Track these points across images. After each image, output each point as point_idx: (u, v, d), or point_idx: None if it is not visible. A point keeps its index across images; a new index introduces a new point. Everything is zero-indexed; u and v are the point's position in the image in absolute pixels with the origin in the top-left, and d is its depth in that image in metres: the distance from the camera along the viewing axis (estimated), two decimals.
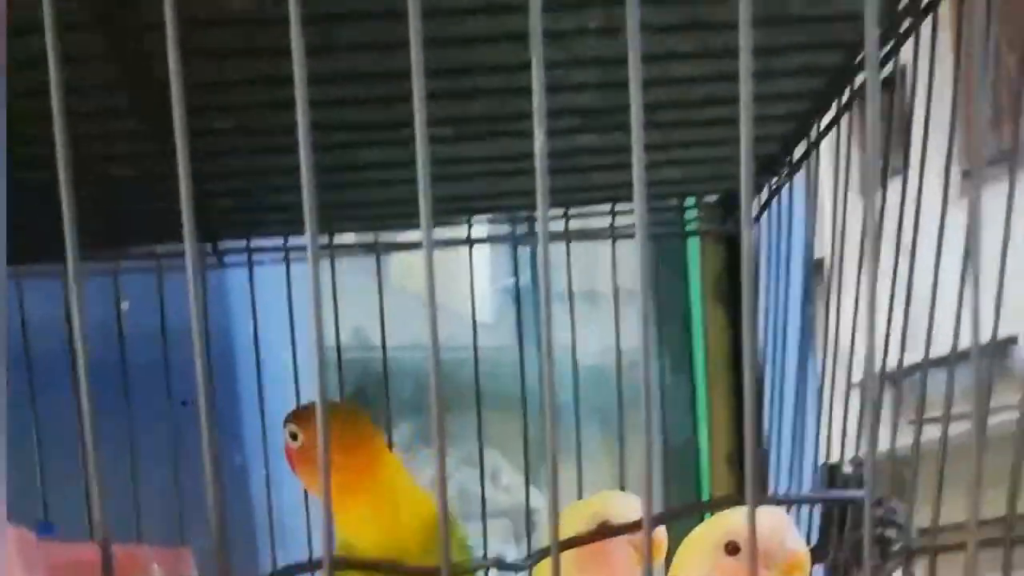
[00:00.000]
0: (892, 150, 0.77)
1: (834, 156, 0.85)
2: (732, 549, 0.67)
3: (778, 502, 0.63)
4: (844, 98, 0.76)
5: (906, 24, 0.69)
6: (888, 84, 0.71)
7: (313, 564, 0.51)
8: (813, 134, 0.82)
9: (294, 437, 0.84)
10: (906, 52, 0.71)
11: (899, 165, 0.76)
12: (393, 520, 0.83)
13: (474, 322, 1.00)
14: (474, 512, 1.02)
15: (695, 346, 1.29)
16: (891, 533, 0.67)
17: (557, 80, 0.70)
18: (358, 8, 0.60)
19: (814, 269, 0.96)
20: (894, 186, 0.75)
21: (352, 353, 1.13)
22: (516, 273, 1.02)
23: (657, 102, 0.73)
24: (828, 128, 0.80)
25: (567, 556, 0.68)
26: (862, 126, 0.69)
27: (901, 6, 0.67)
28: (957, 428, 0.64)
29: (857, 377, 0.71)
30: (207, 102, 0.68)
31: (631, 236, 1.00)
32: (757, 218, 0.94)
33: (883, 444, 0.71)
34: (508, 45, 0.64)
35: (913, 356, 0.69)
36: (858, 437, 0.80)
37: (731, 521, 0.68)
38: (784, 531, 0.65)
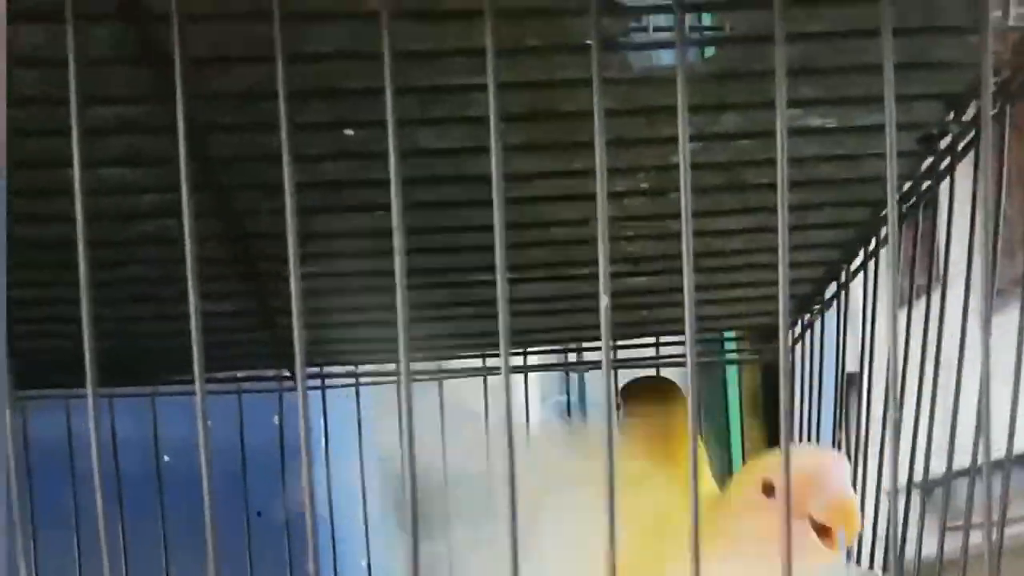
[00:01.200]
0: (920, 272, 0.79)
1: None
2: (768, 489, 0.63)
3: None
4: (871, 246, 0.81)
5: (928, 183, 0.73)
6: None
7: None
8: (843, 277, 0.86)
9: (617, 408, 0.88)
10: None
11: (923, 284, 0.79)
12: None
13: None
14: None
15: (734, 463, 1.32)
16: None
17: (613, 232, 0.74)
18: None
19: (847, 382, 0.98)
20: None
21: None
22: (568, 392, 1.06)
23: (703, 251, 0.77)
24: (856, 272, 0.84)
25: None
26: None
27: (924, 168, 0.71)
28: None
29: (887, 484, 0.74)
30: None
31: (675, 365, 1.05)
32: (792, 348, 0.98)
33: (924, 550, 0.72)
34: (565, 204, 0.69)
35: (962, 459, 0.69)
36: (886, 543, 0.82)
37: (770, 459, 0.64)
38: (829, 471, 0.61)
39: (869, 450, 0.85)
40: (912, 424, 0.72)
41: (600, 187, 0.44)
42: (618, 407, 0.88)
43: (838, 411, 0.97)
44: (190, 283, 0.47)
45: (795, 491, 0.59)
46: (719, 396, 1.27)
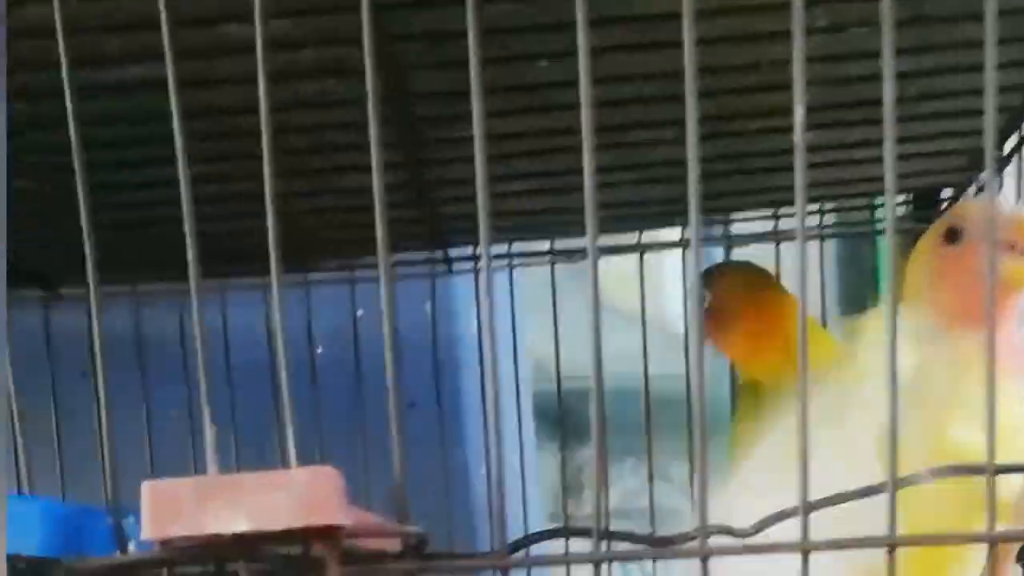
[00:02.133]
0: None
1: None
2: (951, 236, 0.63)
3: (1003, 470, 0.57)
4: None
5: None
6: None
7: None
8: None
9: (703, 300, 0.89)
10: None
11: None
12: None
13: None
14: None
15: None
16: None
17: (776, 78, 0.71)
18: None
19: None
20: None
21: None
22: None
23: (873, 97, 0.74)
24: None
25: None
26: None
27: None
28: None
29: None
30: (453, 111, 0.71)
31: (836, 236, 1.01)
32: None
33: None
34: (733, 46, 0.66)
35: None
36: None
37: (948, 213, 0.64)
38: (998, 204, 0.60)
39: None
40: None
41: None
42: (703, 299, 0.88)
43: None
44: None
45: (986, 221, 0.59)
46: (865, 270, 1.23)
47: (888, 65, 0.43)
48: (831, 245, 1.29)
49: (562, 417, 1.03)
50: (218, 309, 0.95)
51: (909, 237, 1.08)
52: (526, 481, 1.05)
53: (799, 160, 0.43)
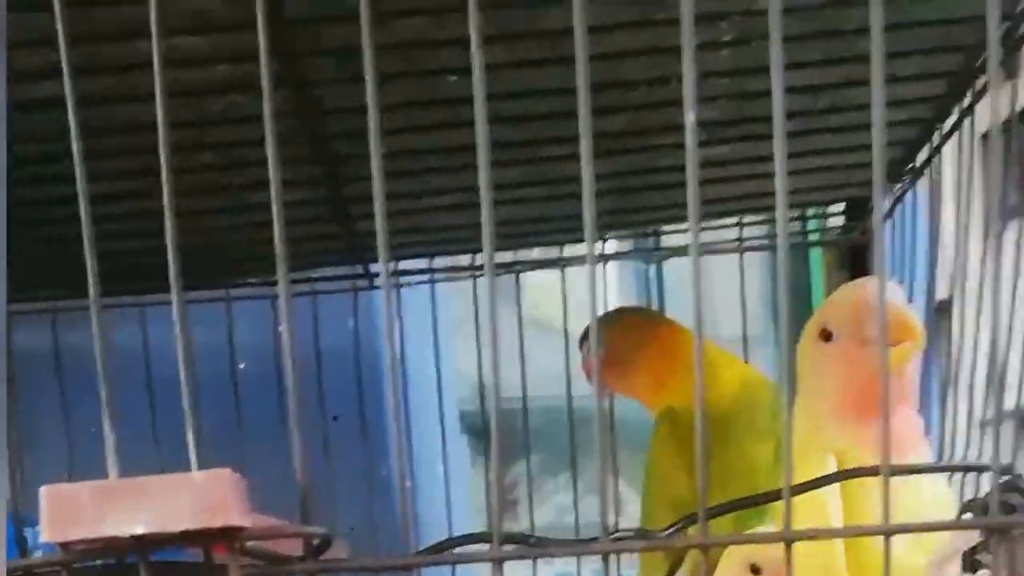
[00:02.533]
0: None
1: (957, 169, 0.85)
2: (825, 335, 0.64)
3: (905, 471, 0.58)
4: (966, 102, 0.78)
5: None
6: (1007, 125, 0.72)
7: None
8: (936, 139, 0.84)
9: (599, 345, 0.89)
10: None
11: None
12: (712, 377, 0.87)
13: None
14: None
15: None
16: (1016, 499, 0.67)
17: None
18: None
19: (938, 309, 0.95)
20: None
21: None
22: (647, 286, 1.05)
23: (787, 110, 0.75)
24: (950, 133, 0.82)
25: None
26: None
27: (1020, 8, 0.69)
28: None
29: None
30: (366, 126, 0.72)
31: (759, 249, 1.03)
32: (882, 223, 0.96)
33: None
34: (640, 60, 0.68)
35: None
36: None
37: (823, 308, 0.65)
38: (875, 299, 0.58)
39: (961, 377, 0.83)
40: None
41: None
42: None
43: (929, 296, 0.95)
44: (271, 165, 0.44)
45: (852, 321, 0.62)
46: (802, 283, 1.25)
47: (777, 79, 0.44)
48: (760, 259, 1.30)
49: (486, 429, 1.03)
50: (138, 324, 0.96)
51: (843, 249, 1.11)
52: (451, 493, 1.06)
53: (691, 170, 0.44)
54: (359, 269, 0.97)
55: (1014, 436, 0.71)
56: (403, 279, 0.99)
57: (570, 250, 1.00)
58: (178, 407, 0.86)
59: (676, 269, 1.08)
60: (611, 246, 1.05)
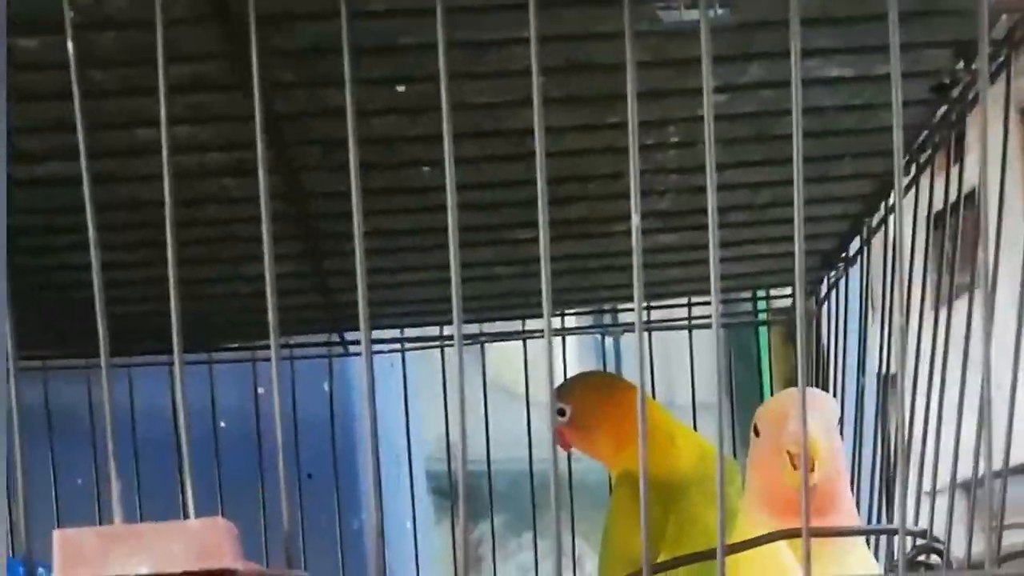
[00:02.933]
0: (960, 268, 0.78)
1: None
2: (755, 431, 0.68)
3: (819, 534, 0.60)
4: (891, 200, 0.85)
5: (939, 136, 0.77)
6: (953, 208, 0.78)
7: None
8: (866, 232, 0.91)
9: (562, 413, 0.96)
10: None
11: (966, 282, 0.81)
12: (670, 447, 0.93)
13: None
14: None
15: None
16: (934, 560, 0.72)
17: (644, 186, 0.79)
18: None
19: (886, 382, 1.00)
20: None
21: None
22: (604, 359, 1.11)
23: (729, 205, 0.82)
24: (878, 228, 0.89)
25: None
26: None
27: (937, 118, 0.76)
28: None
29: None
30: (346, 208, 0.78)
31: (707, 327, 1.09)
32: (820, 306, 1.03)
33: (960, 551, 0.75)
34: (600, 157, 0.75)
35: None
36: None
37: (759, 409, 0.69)
38: (789, 414, 0.63)
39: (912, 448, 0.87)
40: (956, 424, 0.73)
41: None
42: (561, 413, 0.96)
43: (860, 371, 1.00)
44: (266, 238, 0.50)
45: (772, 427, 0.66)
46: (751, 357, 1.31)
47: (711, 176, 0.50)
48: (711, 335, 1.36)
49: (452, 489, 1.09)
50: (125, 384, 1.01)
51: (789, 326, 1.18)
52: (419, 551, 1.12)
53: (636, 261, 0.50)
54: (335, 337, 1.03)
55: (949, 506, 0.76)
56: (376, 347, 1.05)
57: (532, 324, 1.06)
58: (158, 464, 0.92)
59: (631, 345, 1.14)
60: (571, 321, 1.11)
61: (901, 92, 0.51)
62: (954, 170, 0.76)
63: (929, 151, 0.78)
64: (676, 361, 1.14)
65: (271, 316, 0.51)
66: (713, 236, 0.52)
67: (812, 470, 0.62)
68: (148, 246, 0.79)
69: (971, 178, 0.75)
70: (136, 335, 0.92)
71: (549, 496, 1.06)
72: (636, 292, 0.51)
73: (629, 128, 0.50)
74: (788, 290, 1.12)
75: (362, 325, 0.51)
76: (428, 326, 1.05)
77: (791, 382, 1.25)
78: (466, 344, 1.05)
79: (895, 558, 0.78)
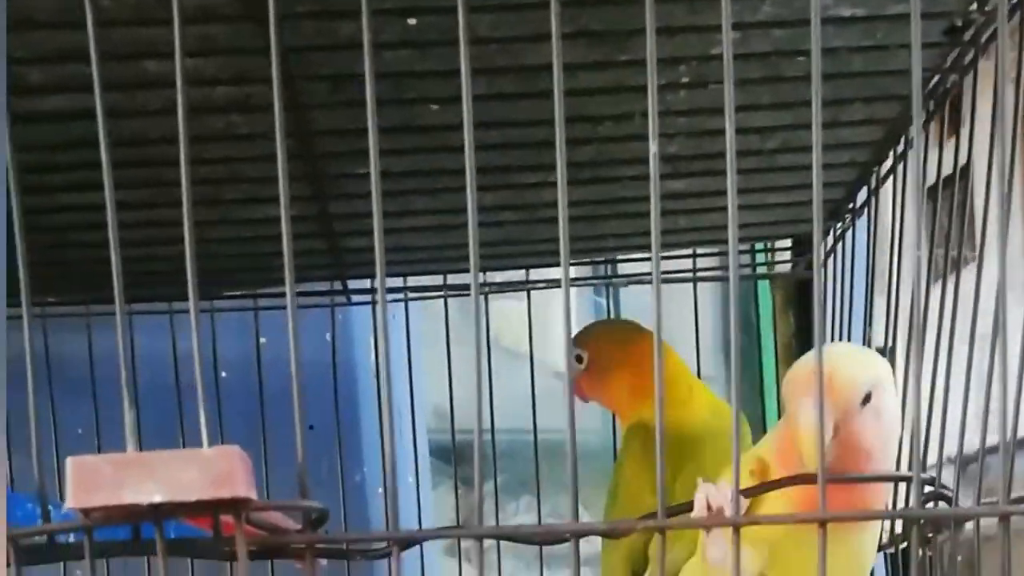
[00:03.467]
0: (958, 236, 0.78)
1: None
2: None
3: (836, 480, 0.62)
4: (900, 148, 0.85)
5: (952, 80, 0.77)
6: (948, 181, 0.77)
7: None
8: (874, 181, 0.90)
9: (579, 360, 0.95)
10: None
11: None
12: (688, 399, 0.94)
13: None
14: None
15: (766, 380, 1.35)
16: (943, 506, 0.72)
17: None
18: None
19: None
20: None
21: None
22: (608, 308, 1.11)
23: (739, 149, 0.81)
24: (887, 176, 0.88)
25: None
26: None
27: (949, 62, 0.75)
28: None
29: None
30: (353, 147, 0.77)
31: (712, 279, 1.09)
32: (824, 261, 1.02)
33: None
34: (612, 96, 0.73)
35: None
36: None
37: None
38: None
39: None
40: (943, 399, 0.75)
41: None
42: (579, 360, 0.95)
43: (867, 326, 1.00)
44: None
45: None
46: (750, 313, 1.30)
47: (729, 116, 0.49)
48: (711, 294, 1.35)
49: (452, 448, 1.08)
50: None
51: (790, 284, 1.17)
52: (421, 507, 1.11)
53: (654, 198, 0.49)
54: (337, 286, 1.02)
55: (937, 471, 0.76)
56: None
57: (535, 274, 1.06)
58: (156, 410, 0.91)
59: (630, 300, 1.13)
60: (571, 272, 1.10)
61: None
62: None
63: (942, 92, 0.77)
64: (675, 315, 1.13)
65: (287, 260, 0.50)
66: (731, 178, 0.51)
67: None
68: (150, 186, 0.78)
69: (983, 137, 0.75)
70: (134, 280, 0.90)
71: (548, 462, 1.07)
72: (653, 233, 0.51)
73: (647, 49, 0.49)
74: (788, 243, 1.11)
75: (378, 269, 0.50)
76: (431, 274, 1.04)
77: (791, 342, 1.24)
78: (467, 295, 1.06)
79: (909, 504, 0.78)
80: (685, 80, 0.72)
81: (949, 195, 0.76)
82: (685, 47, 0.69)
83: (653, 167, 0.50)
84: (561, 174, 0.49)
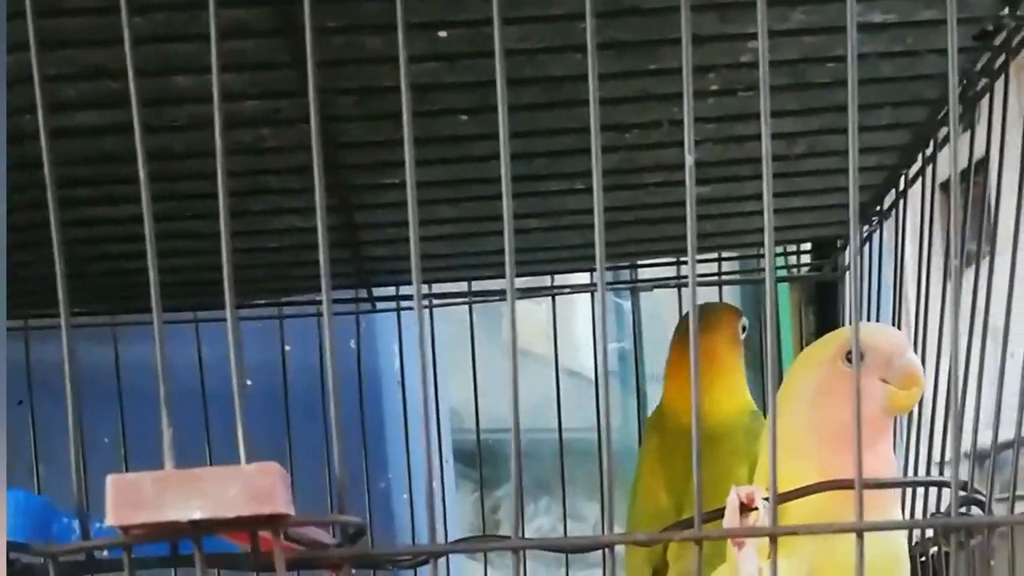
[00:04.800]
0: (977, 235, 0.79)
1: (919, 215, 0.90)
2: (848, 359, 0.66)
3: (871, 485, 0.61)
4: (928, 151, 0.85)
5: (982, 83, 0.77)
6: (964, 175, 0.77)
7: None
8: (902, 184, 0.90)
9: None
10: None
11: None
12: (721, 395, 0.94)
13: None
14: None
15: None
16: (976, 511, 0.72)
17: (677, 136, 0.79)
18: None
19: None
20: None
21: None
22: (635, 325, 1.11)
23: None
24: (915, 179, 0.88)
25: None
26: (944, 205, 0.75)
27: (979, 66, 0.75)
28: None
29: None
30: (378, 159, 0.78)
31: (737, 283, 1.09)
32: (849, 264, 1.02)
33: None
34: (639, 105, 0.74)
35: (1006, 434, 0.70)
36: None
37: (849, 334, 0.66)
38: (905, 345, 0.66)
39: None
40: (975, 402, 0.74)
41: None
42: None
43: (896, 325, 0.99)
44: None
45: (875, 358, 0.66)
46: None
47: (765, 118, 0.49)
48: (735, 292, 1.35)
49: (477, 452, 1.09)
50: (148, 340, 1.01)
51: (811, 285, 1.17)
52: (448, 515, 1.11)
53: (690, 205, 0.49)
54: (363, 293, 1.03)
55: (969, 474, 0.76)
56: (403, 303, 1.04)
57: (560, 280, 1.06)
58: (180, 420, 0.91)
59: (647, 303, 1.13)
60: (586, 278, 1.10)
61: (945, 38, 0.50)
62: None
63: (972, 96, 0.77)
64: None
65: (323, 273, 0.50)
66: (767, 178, 0.51)
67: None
68: (174, 199, 0.78)
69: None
70: (160, 290, 0.91)
71: (568, 465, 1.07)
72: (689, 236, 0.51)
73: (683, 56, 0.49)
74: (808, 245, 1.11)
75: (414, 278, 0.50)
76: (455, 281, 1.04)
77: (810, 343, 1.24)
78: (492, 301, 1.06)
79: (939, 509, 0.79)
80: (714, 88, 0.72)
81: (965, 189, 0.76)
82: (713, 55, 0.69)
83: (689, 180, 0.50)
84: (597, 182, 0.50)
